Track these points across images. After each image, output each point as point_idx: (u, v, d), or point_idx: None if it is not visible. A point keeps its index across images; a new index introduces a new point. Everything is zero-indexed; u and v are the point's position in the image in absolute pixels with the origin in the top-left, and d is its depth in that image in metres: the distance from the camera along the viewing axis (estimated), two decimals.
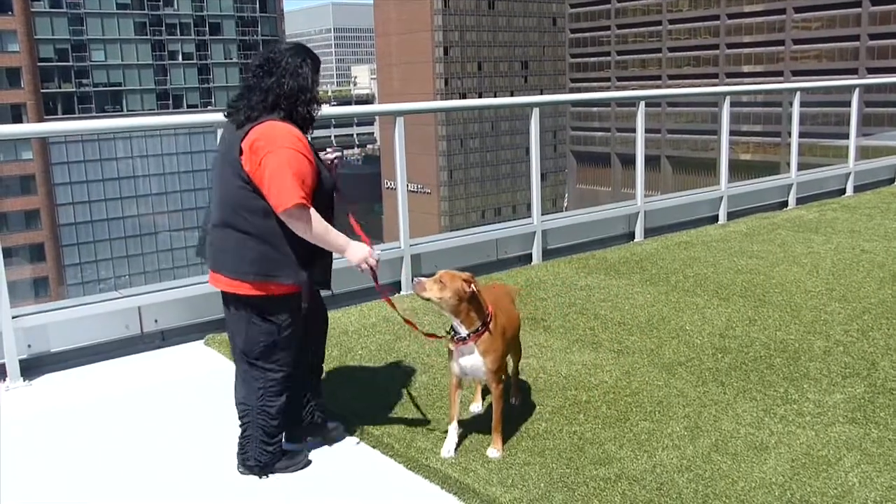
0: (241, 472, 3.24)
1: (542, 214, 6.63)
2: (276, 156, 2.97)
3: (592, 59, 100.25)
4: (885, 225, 7.51)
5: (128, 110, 68.56)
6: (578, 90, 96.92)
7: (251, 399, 3.20)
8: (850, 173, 9.58)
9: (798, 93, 8.89)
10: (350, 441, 3.48)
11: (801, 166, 9.36)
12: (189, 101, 72.70)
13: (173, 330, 4.84)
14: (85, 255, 60.43)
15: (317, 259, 3.15)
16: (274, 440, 3.23)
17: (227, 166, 3.07)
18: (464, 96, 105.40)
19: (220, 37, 74.15)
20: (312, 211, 3.02)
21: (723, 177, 8.06)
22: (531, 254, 6.53)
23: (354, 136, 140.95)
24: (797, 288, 5.48)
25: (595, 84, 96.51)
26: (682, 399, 3.75)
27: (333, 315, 5.10)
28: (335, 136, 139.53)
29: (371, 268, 3.19)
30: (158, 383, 4.25)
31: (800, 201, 8.86)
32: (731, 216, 8.06)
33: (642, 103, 7.13)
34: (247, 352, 3.19)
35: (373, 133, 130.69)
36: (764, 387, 3.87)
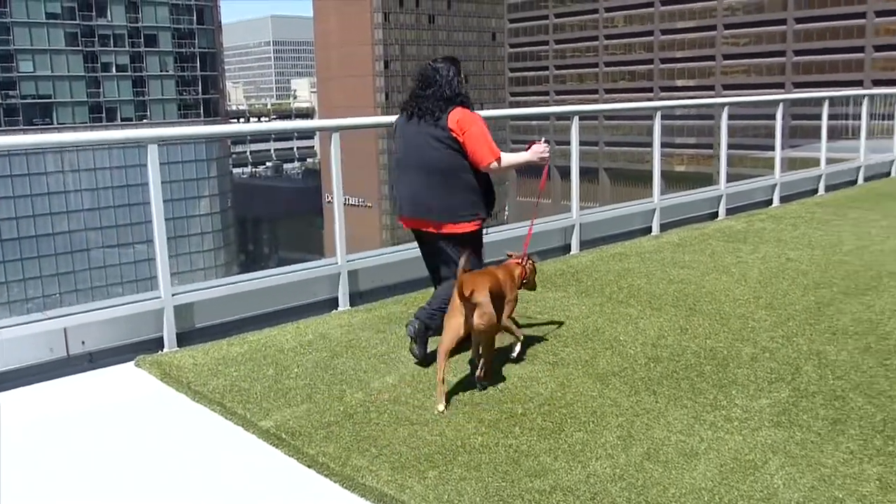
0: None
1: None
2: (476, 127, 4.32)
3: (531, 74, 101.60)
4: (809, 234, 7.77)
5: (58, 123, 66.77)
6: (518, 104, 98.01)
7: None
8: (776, 184, 9.89)
9: (726, 108, 9.15)
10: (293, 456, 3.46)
11: (734, 177, 9.64)
12: (123, 114, 71.21)
13: (102, 352, 4.71)
14: (11, 273, 58.50)
15: (491, 199, 4.46)
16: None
17: (436, 143, 4.32)
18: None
19: (156, 49, 72.85)
20: (502, 154, 4.36)
21: (655, 189, 8.24)
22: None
23: (294, 149, 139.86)
24: (726, 296, 5.63)
25: (534, 98, 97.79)
26: (615, 409, 3.81)
27: (269, 333, 5.09)
28: (275, 150, 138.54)
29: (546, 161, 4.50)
30: (85, 409, 4.12)
31: (729, 212, 9.10)
32: (664, 227, 8.24)
33: (576, 118, 7.24)
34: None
35: (313, 147, 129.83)
36: (694, 394, 3.96)
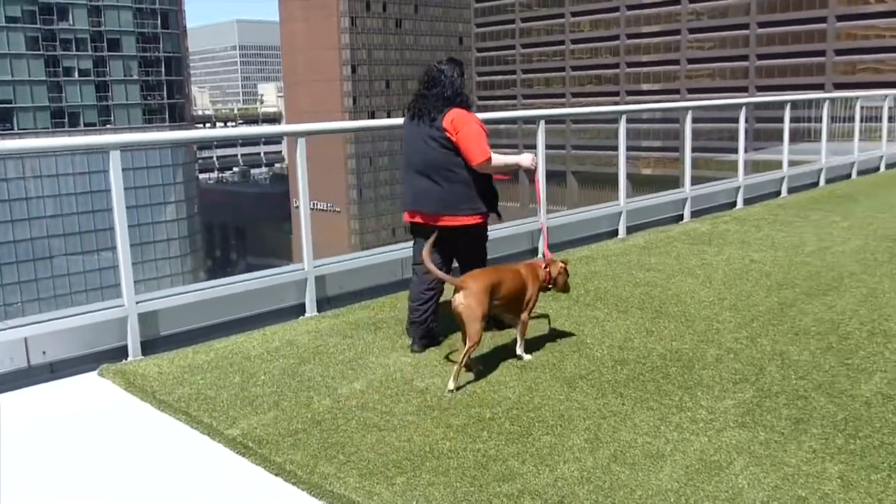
0: (422, 343, 4.74)
1: None
2: (469, 127, 4.59)
3: (498, 78, 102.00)
4: (772, 236, 7.88)
5: (19, 129, 65.59)
6: (485, 108, 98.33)
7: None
8: (739, 187, 10.02)
9: (690, 111, 9.26)
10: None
11: (700, 180, 9.75)
12: (86, 120, 70.21)
13: (64, 361, 4.63)
14: None
15: (490, 195, 4.75)
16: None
17: (432, 142, 4.62)
18: (372, 114, 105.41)
19: (120, 53, 71.92)
20: (493, 154, 4.60)
21: (621, 192, 8.30)
22: None
23: (262, 154, 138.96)
24: (691, 298, 5.68)
25: (501, 102, 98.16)
26: (582, 412, 3.83)
27: (235, 340, 5.05)
28: (242, 155, 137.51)
29: (534, 171, 4.96)
30: (47, 419, 4.05)
31: (694, 214, 9.20)
32: (630, 230, 8.30)
33: (542, 122, 7.28)
34: (473, 261, 4.73)
35: (280, 152, 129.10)
36: (660, 396, 3.99)
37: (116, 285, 4.96)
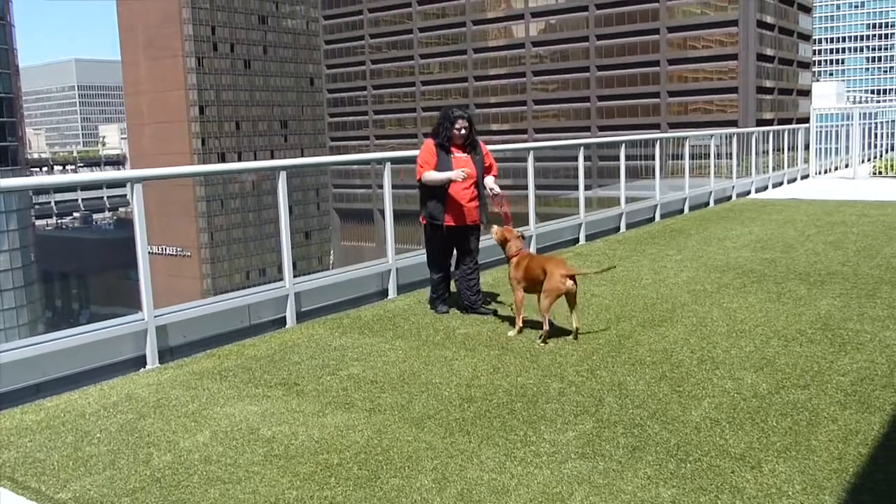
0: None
1: (298, 276, 6.63)
2: (419, 154, 6.38)
3: (351, 119, 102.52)
4: (611, 270, 8.25)
5: None
6: (338, 149, 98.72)
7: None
8: (581, 224, 10.48)
9: (531, 152, 9.63)
10: None
11: (550, 217, 10.10)
12: None
13: None
14: None
15: (431, 204, 6.38)
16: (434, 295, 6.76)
17: None
18: (223, 156, 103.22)
19: None
20: (426, 172, 6.29)
21: None
22: (285, 317, 6.46)
23: (105, 198, 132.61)
24: (536, 334, 5.86)
25: (354, 142, 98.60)
26: (430, 452, 3.85)
27: (69, 398, 4.77)
28: (83, 200, 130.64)
29: (468, 177, 6.30)
30: None
31: (539, 251, 9.51)
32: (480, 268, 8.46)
33: (388, 164, 7.38)
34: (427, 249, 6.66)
35: (126, 195, 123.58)
36: (506, 432, 4.08)
37: None
